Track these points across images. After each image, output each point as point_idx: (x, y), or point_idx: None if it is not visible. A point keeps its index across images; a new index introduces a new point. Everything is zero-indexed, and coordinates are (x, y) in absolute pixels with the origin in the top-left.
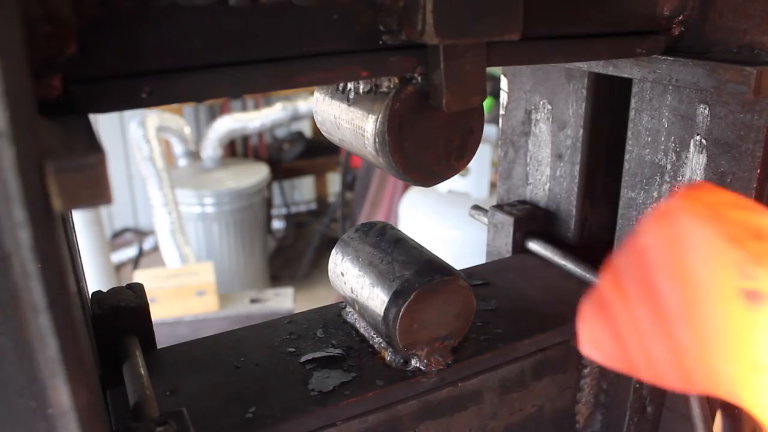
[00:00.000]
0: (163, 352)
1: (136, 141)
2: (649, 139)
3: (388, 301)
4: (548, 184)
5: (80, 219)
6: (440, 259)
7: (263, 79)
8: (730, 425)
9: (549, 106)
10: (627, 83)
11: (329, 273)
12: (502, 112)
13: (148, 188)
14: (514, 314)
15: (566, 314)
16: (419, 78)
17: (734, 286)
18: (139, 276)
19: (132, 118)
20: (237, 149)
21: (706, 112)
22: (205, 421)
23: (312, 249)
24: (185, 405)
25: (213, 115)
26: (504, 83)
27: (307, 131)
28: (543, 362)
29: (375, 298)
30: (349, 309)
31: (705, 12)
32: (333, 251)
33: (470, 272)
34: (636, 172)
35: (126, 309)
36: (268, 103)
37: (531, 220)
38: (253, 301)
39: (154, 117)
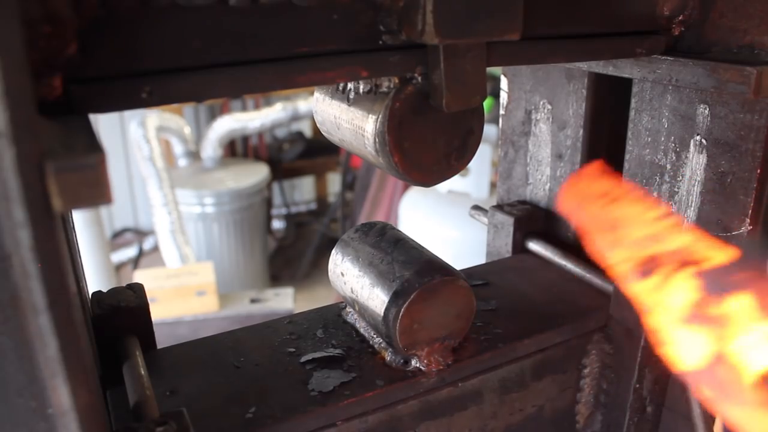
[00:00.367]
0: (163, 352)
1: (136, 141)
2: (649, 139)
3: (388, 302)
4: (548, 184)
5: (80, 219)
6: (440, 259)
7: (263, 79)
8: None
9: (549, 106)
10: (627, 83)
11: (329, 273)
12: (502, 112)
13: (148, 188)
14: (514, 314)
15: (566, 314)
16: (419, 78)
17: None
18: (139, 276)
19: (132, 118)
20: (237, 149)
21: (706, 112)
22: (205, 421)
23: (312, 249)
24: (185, 405)
25: (213, 115)
26: (504, 83)
27: (307, 131)
28: (543, 362)
29: (375, 298)
30: (349, 309)
31: (705, 12)
32: (333, 251)
33: (470, 272)
34: (636, 172)
35: (126, 309)
36: (268, 103)
37: (531, 220)
38: (253, 301)
39: (154, 117)
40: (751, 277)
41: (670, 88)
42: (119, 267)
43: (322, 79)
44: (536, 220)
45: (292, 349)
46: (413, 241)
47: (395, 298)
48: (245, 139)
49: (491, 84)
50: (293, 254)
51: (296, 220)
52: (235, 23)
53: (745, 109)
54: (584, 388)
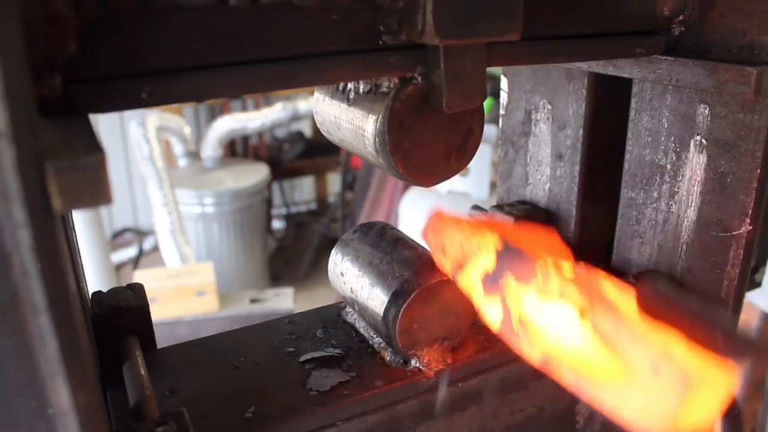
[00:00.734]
0: (163, 352)
1: (136, 141)
2: (649, 139)
3: (388, 302)
4: (548, 184)
5: (80, 219)
6: None
7: (263, 79)
8: (730, 426)
9: (549, 106)
10: (627, 83)
11: (329, 273)
12: (502, 112)
13: (148, 188)
14: None
15: None
16: (419, 78)
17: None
18: (139, 276)
19: (132, 118)
20: (237, 149)
21: (706, 112)
22: (205, 421)
23: (312, 249)
24: (185, 405)
25: (213, 115)
26: (504, 83)
27: (307, 131)
28: None
29: (375, 298)
30: (348, 309)
31: (705, 12)
32: (333, 251)
33: None
34: (636, 172)
35: (126, 309)
36: (268, 103)
37: (531, 220)
38: (253, 301)
39: (154, 117)
40: (514, 257)
41: (670, 88)
42: (119, 267)
43: (322, 79)
44: (536, 220)
45: (292, 349)
46: (413, 241)
47: (395, 298)
48: (245, 139)
49: (491, 84)
50: (293, 254)
51: (296, 220)
52: (235, 23)
53: (745, 109)
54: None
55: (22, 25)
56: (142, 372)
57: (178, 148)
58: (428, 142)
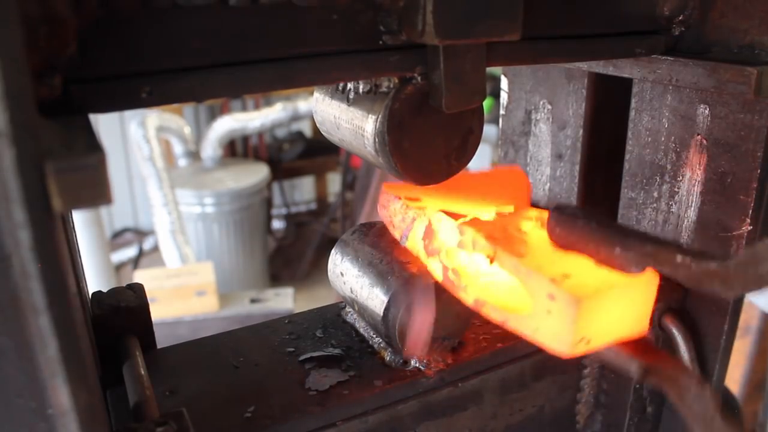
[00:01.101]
0: (163, 352)
1: (136, 141)
2: (649, 139)
3: (388, 302)
4: (548, 184)
5: (80, 219)
6: None
7: (263, 79)
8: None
9: (549, 106)
10: (627, 83)
11: (329, 273)
12: (502, 112)
13: (148, 188)
14: None
15: None
16: (419, 78)
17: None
18: (139, 276)
19: (132, 118)
20: (237, 149)
21: (707, 112)
22: (205, 421)
23: (312, 249)
24: (185, 405)
25: (213, 115)
26: (504, 83)
27: (307, 131)
28: (543, 362)
29: (374, 298)
30: (348, 309)
31: (705, 12)
32: (332, 251)
33: None
34: (636, 172)
35: (126, 309)
36: (268, 103)
37: None
38: (253, 301)
39: (154, 117)
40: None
41: (671, 88)
42: (119, 267)
43: (321, 79)
44: None
45: (292, 349)
46: None
47: (395, 298)
48: (245, 139)
49: (491, 84)
50: (293, 254)
51: (296, 220)
52: (235, 23)
53: (745, 109)
54: (584, 388)
55: (22, 26)
56: (142, 372)
57: (178, 148)
58: (428, 142)
